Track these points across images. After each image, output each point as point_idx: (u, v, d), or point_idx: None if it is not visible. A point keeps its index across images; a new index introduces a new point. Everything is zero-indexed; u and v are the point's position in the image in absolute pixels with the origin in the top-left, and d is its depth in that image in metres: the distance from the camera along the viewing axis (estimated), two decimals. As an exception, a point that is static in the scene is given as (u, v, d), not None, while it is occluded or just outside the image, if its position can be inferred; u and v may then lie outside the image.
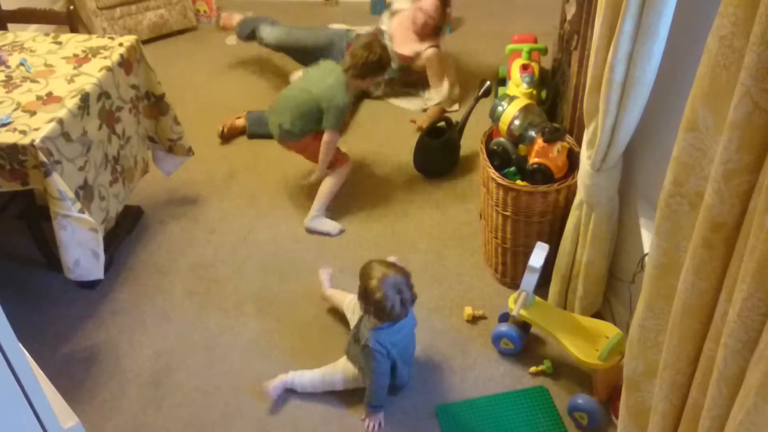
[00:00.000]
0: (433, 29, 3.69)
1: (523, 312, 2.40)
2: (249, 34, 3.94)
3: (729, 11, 0.86)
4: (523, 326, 2.49)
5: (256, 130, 3.59)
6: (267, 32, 3.87)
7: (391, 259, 2.44)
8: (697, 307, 1.07)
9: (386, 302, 2.11)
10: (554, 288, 2.58)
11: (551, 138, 2.46)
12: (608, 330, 2.32)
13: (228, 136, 3.63)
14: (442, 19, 3.75)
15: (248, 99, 3.83)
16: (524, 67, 3.02)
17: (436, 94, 3.72)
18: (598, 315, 2.54)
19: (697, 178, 1.03)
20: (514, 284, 2.70)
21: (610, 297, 2.54)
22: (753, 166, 0.88)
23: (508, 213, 2.55)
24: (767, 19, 0.76)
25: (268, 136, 3.21)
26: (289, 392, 2.42)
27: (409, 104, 3.80)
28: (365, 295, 2.16)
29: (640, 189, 2.26)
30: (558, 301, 2.58)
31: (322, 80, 2.94)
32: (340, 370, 2.39)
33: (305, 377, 2.40)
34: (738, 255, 0.95)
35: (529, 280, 2.36)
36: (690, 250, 1.03)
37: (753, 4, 0.81)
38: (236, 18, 4.02)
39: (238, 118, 3.65)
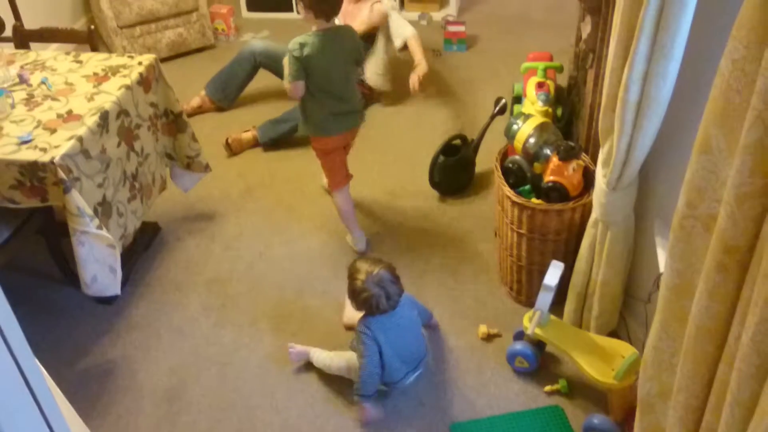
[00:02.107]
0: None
1: (538, 330, 2.39)
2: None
3: (741, 34, 0.86)
4: (539, 345, 2.48)
5: (272, 135, 3.69)
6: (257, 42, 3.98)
7: None
8: (711, 329, 1.07)
9: (372, 300, 2.25)
10: (569, 306, 2.56)
11: (566, 156, 2.46)
12: (624, 349, 2.30)
13: (236, 150, 3.68)
14: None
15: (262, 115, 3.86)
16: (540, 85, 3.02)
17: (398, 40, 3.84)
18: (613, 334, 2.52)
19: (710, 201, 1.03)
20: (530, 302, 2.69)
21: (626, 316, 2.52)
22: (766, 189, 0.88)
23: (523, 231, 2.55)
24: (778, 44, 0.76)
25: (283, 139, 3.29)
26: (305, 372, 2.50)
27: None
28: (353, 294, 2.30)
29: (656, 208, 2.25)
30: (573, 319, 2.57)
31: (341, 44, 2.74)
32: (346, 358, 2.46)
33: (321, 355, 2.52)
34: (752, 278, 0.94)
35: (544, 299, 2.35)
36: (703, 272, 1.03)
37: (765, 28, 0.81)
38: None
39: (246, 131, 3.69)
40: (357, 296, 2.27)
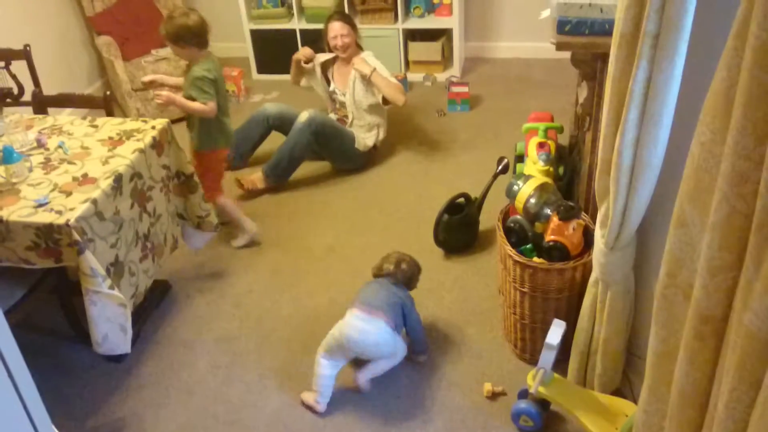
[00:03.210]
0: (356, 46, 4.05)
1: (541, 389, 2.41)
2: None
3: (707, 120, 0.93)
4: (543, 403, 2.50)
5: (280, 174, 3.95)
6: (270, 105, 4.15)
7: None
8: (693, 395, 1.11)
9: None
10: (573, 365, 2.58)
11: (566, 216, 2.51)
12: (628, 408, 2.32)
13: (249, 191, 3.92)
14: (356, 33, 4.05)
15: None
16: (541, 145, 3.10)
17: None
18: (617, 392, 2.53)
19: (688, 271, 1.08)
20: (534, 360, 2.71)
21: (629, 374, 2.54)
22: (735, 264, 0.93)
23: (525, 289, 2.59)
24: (738, 132, 0.83)
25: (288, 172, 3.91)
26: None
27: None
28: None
29: (655, 266, 2.28)
30: (577, 377, 2.58)
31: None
32: (391, 344, 2.66)
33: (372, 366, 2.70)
34: (727, 347, 0.99)
35: (547, 357, 2.38)
36: (683, 340, 1.07)
37: (728, 115, 0.88)
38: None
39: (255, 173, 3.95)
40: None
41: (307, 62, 4.05)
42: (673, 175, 2.02)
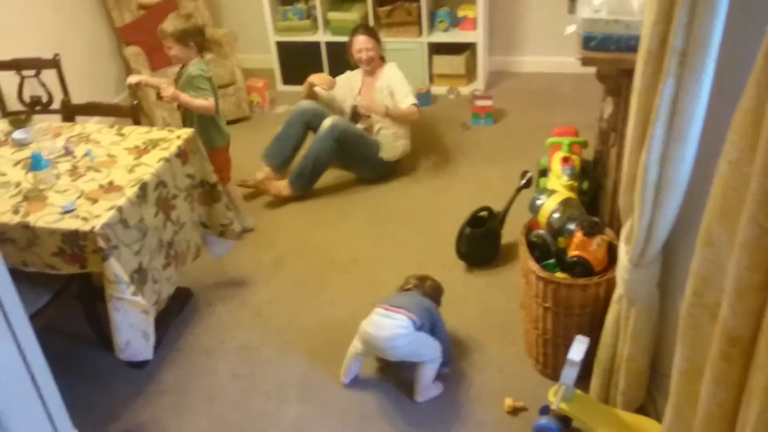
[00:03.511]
0: (380, 58, 4.08)
1: (563, 405, 2.39)
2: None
3: (735, 138, 0.92)
4: (564, 420, 2.47)
5: (305, 183, 4.00)
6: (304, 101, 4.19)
7: None
8: (719, 417, 1.09)
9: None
10: (595, 381, 2.55)
11: (590, 232, 2.50)
12: (651, 426, 2.29)
13: (255, 189, 4.06)
14: (380, 46, 4.08)
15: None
16: (565, 160, 3.09)
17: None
18: (641, 410, 2.50)
19: (715, 291, 1.07)
20: (556, 375, 2.68)
21: (653, 392, 2.51)
22: (764, 285, 0.92)
23: (548, 305, 2.57)
24: (767, 151, 0.82)
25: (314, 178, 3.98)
26: None
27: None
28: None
29: (681, 283, 2.25)
30: (599, 394, 2.56)
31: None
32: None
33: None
34: (755, 369, 0.97)
35: (569, 374, 2.36)
36: (710, 361, 1.06)
37: (756, 134, 0.87)
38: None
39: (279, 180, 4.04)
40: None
41: (329, 87, 4.09)
42: (700, 192, 2.00)
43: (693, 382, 1.21)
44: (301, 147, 4.11)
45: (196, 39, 3.32)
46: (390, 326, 2.55)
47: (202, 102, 3.29)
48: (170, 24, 3.28)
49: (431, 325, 2.66)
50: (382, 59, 4.11)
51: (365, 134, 4.00)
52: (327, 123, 3.87)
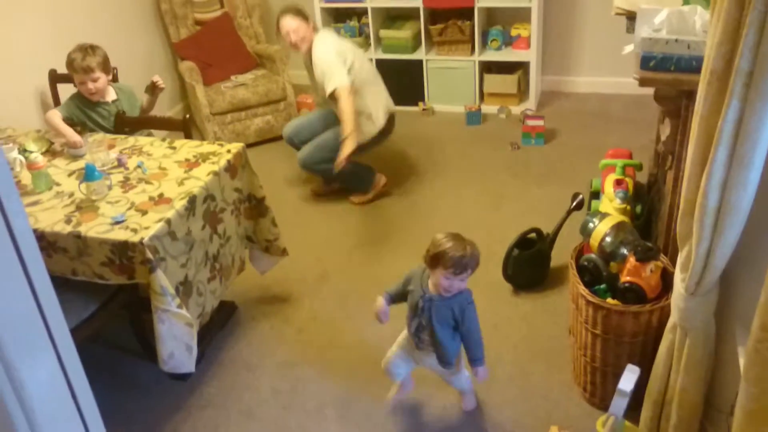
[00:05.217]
0: (309, 42, 3.74)
1: (611, 437, 2.30)
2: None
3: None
4: (612, 452, 2.38)
5: (356, 184, 4.06)
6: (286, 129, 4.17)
7: None
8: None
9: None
10: (646, 413, 2.46)
11: (644, 257, 2.41)
12: (704, 463, 2.19)
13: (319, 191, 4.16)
14: (309, 23, 3.76)
15: (344, 201, 3.96)
16: (618, 183, 3.01)
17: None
18: (693, 446, 2.40)
19: (786, 325, 1.00)
20: (604, 405, 2.60)
21: (707, 426, 2.40)
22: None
23: (597, 332, 2.49)
24: None
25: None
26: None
27: None
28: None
29: (739, 314, 2.17)
30: (650, 427, 2.46)
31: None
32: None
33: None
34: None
35: (619, 404, 2.27)
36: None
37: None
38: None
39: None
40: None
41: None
42: (761, 220, 1.91)
43: (759, 421, 1.14)
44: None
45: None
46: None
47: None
48: (92, 60, 3.23)
49: (457, 323, 2.41)
50: (315, 30, 3.81)
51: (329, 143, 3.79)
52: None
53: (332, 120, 3.88)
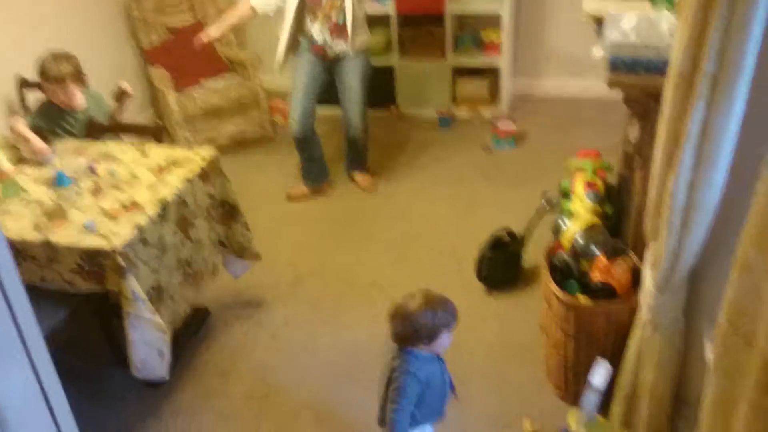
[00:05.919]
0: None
1: (583, 431, 2.33)
2: None
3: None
4: (585, 448, 2.41)
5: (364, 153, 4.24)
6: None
7: None
8: (755, 450, 1.04)
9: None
10: (617, 408, 2.49)
11: (613, 254, 2.45)
12: (675, 458, 2.22)
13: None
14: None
15: (317, 204, 3.96)
16: (589, 185, 3.04)
17: None
18: (664, 440, 2.44)
19: (752, 318, 1.03)
20: (576, 401, 2.63)
21: (676, 420, 2.44)
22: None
23: (569, 329, 2.52)
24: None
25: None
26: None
27: None
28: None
29: (707, 310, 2.21)
30: (621, 421, 2.49)
31: None
32: None
33: None
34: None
35: (590, 399, 2.31)
36: (747, 392, 1.01)
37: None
38: None
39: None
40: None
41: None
42: (728, 218, 1.95)
43: (726, 412, 1.16)
44: (323, 154, 4.21)
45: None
46: None
47: None
48: (65, 68, 3.19)
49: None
50: None
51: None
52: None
53: (318, 71, 3.97)
